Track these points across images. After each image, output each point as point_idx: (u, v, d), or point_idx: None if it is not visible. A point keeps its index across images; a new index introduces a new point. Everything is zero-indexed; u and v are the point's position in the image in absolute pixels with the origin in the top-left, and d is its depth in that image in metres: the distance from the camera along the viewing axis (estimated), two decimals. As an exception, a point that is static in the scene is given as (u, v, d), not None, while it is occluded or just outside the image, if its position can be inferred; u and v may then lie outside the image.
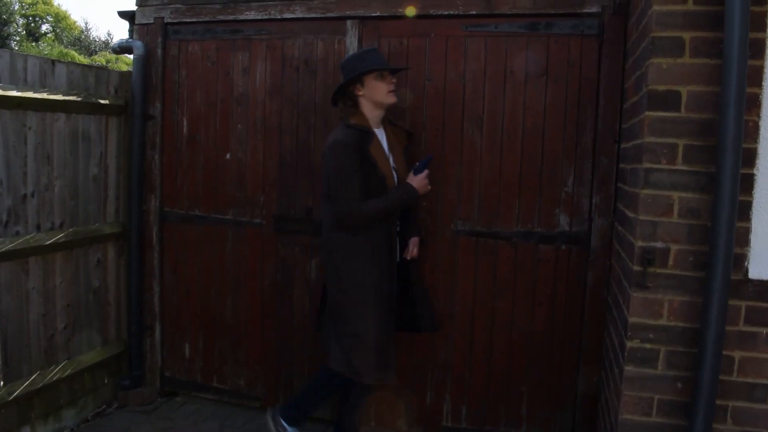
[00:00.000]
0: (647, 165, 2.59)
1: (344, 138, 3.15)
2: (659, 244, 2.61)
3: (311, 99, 3.80)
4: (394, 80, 3.28)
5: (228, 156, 3.98)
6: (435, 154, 3.60)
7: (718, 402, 2.59)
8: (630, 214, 2.82)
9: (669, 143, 2.57)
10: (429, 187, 3.33)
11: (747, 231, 2.55)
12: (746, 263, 2.57)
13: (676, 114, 2.55)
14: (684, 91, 2.53)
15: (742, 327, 2.59)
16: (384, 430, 3.90)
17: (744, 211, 2.53)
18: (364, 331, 3.21)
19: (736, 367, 2.61)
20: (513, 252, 3.57)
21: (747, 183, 2.52)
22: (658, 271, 2.62)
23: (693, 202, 2.57)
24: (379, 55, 3.28)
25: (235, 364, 4.13)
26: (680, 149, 2.56)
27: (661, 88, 2.55)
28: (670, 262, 2.61)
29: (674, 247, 2.60)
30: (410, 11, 3.58)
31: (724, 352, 2.56)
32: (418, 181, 3.27)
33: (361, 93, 3.24)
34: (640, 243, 2.62)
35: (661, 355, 2.66)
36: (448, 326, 3.70)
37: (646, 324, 2.65)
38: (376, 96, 3.23)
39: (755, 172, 2.53)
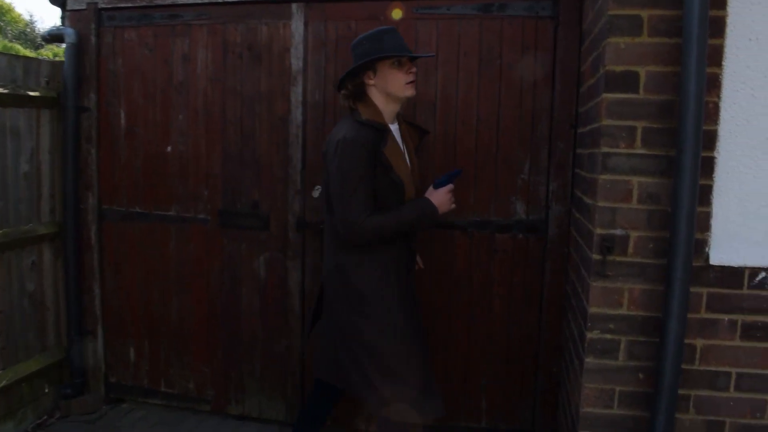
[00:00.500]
0: (605, 149, 2.50)
1: (355, 136, 2.64)
2: (618, 231, 2.52)
3: (256, 87, 3.62)
4: (414, 69, 2.78)
5: (169, 149, 3.78)
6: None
7: (681, 392, 2.52)
8: (588, 201, 2.73)
9: (627, 126, 2.48)
10: (454, 205, 2.87)
11: (708, 216, 2.48)
12: (707, 249, 2.50)
13: (634, 96, 2.46)
14: (642, 71, 2.44)
15: (704, 314, 2.52)
16: (341, 429, 3.75)
17: (705, 195, 2.46)
18: (406, 370, 2.75)
19: (698, 355, 2.55)
20: (468, 242, 3.46)
21: (707, 166, 2.45)
22: (618, 259, 2.53)
23: (653, 187, 2.48)
24: (398, 38, 2.75)
25: (183, 367, 3.95)
26: (639, 132, 2.47)
27: (619, 68, 2.45)
28: (630, 249, 2.52)
29: (634, 234, 2.52)
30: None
31: (686, 341, 2.49)
32: (439, 197, 2.79)
33: (372, 82, 2.76)
34: (598, 230, 2.53)
35: (622, 346, 2.57)
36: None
37: (606, 314, 2.56)
38: (390, 87, 2.75)
39: (716, 155, 2.46)
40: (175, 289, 3.87)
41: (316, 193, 3.57)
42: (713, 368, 2.55)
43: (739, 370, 2.54)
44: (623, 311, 2.55)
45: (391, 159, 2.68)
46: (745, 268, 2.49)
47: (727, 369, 2.54)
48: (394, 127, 2.86)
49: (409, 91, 2.78)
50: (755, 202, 2.48)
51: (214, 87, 3.68)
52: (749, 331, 2.51)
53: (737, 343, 2.53)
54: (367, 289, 2.74)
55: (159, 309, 3.92)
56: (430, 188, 2.83)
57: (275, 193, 3.64)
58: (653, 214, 2.49)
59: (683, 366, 2.50)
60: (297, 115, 3.55)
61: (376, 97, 2.79)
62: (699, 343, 2.54)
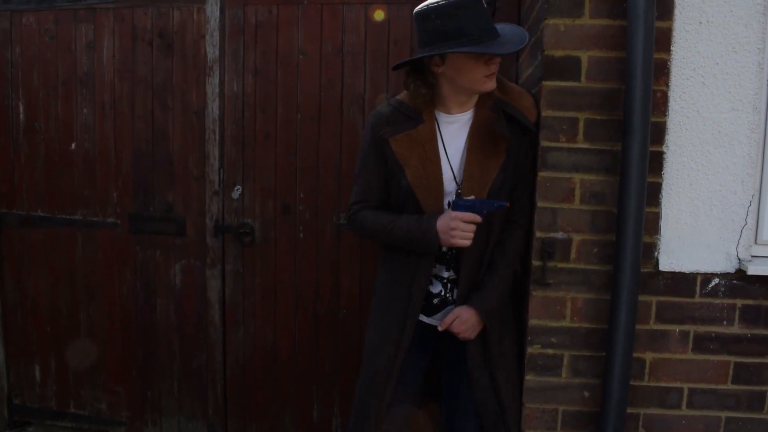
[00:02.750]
0: (544, 143, 2.25)
1: (375, 115, 2.29)
2: (560, 235, 2.28)
3: (168, 78, 3.28)
4: (498, 59, 2.12)
5: (73, 146, 3.41)
6: (311, 136, 3.17)
7: (629, 410, 2.32)
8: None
9: (568, 117, 2.24)
10: (466, 242, 2.15)
11: (657, 217, 2.27)
12: (656, 253, 2.28)
13: (575, 84, 2.23)
14: (584, 56, 2.21)
15: (654, 325, 2.32)
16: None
17: (653, 194, 2.25)
18: (361, 391, 2.45)
19: (647, 370, 2.34)
20: (403, 247, 3.18)
21: (656, 162, 2.24)
22: (560, 265, 2.29)
23: (597, 185, 2.25)
24: (480, 14, 2.03)
25: (95, 387, 3.59)
26: (581, 124, 2.24)
27: (559, 53, 2.21)
28: (573, 254, 2.29)
29: (577, 238, 2.28)
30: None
31: (635, 355, 2.29)
32: (447, 224, 2.13)
33: (439, 70, 2.15)
34: (538, 234, 2.28)
35: (565, 361, 2.34)
36: (334, 331, 3.29)
37: (548, 326, 2.32)
38: (463, 80, 2.14)
39: (665, 149, 2.25)
40: (83, 302, 3.51)
41: (235, 194, 3.25)
42: (664, 384, 2.34)
43: (692, 385, 2.34)
44: (566, 323, 2.32)
45: (399, 155, 2.22)
46: (698, 274, 2.28)
47: (678, 384, 2.34)
48: (454, 119, 2.25)
49: (489, 85, 2.13)
50: (707, 202, 2.26)
51: (123, 78, 3.33)
52: (702, 343, 2.31)
53: (689, 356, 2.32)
54: (376, 285, 2.51)
55: (66, 324, 3.55)
56: (448, 208, 2.22)
57: (191, 194, 3.31)
58: (597, 215, 2.26)
59: (631, 382, 2.29)
60: (214, 108, 3.23)
61: (444, 86, 2.19)
62: (648, 356, 2.32)
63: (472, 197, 2.15)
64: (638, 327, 2.26)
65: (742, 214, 2.26)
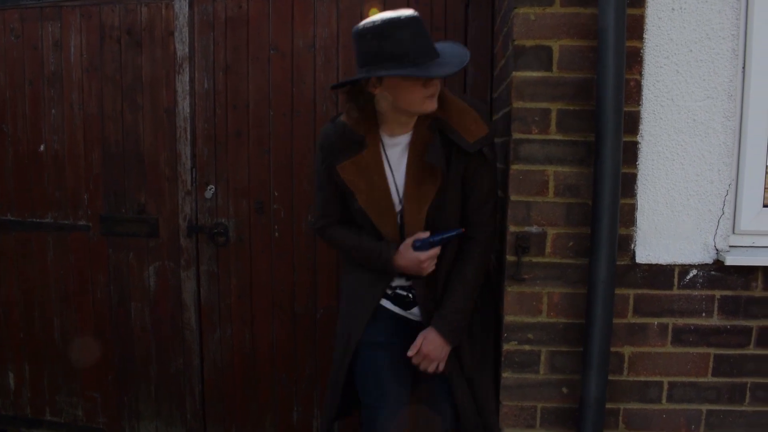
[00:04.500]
0: (516, 135, 2.21)
1: (323, 136, 2.22)
2: (534, 229, 2.23)
3: (137, 77, 3.21)
4: (436, 80, 2.00)
5: (42, 148, 3.34)
6: (284, 133, 3.11)
7: (609, 406, 2.28)
8: (501, 196, 2.42)
9: (540, 109, 2.19)
10: (430, 269, 2.17)
11: (632, 208, 2.23)
12: (633, 245, 2.24)
13: (547, 74, 2.18)
14: (555, 46, 2.16)
15: (631, 319, 2.27)
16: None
17: (628, 185, 2.21)
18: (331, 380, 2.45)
19: (626, 364, 2.30)
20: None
21: (630, 152, 2.20)
22: (535, 260, 2.25)
23: (571, 178, 2.21)
24: (418, 34, 1.92)
25: (71, 393, 3.51)
26: (554, 115, 2.20)
27: (529, 43, 2.16)
28: (548, 248, 2.24)
29: (551, 231, 2.24)
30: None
31: (613, 349, 2.25)
32: (409, 260, 2.13)
33: (378, 92, 2.03)
34: (512, 228, 2.24)
35: (543, 358, 2.30)
36: (312, 331, 3.23)
37: (524, 322, 2.28)
38: (402, 102, 2.02)
39: (639, 139, 2.21)
40: (56, 307, 3.43)
41: (209, 193, 3.19)
42: (643, 378, 2.30)
43: (672, 379, 2.30)
44: (542, 319, 2.27)
45: (348, 181, 2.16)
46: (675, 265, 2.24)
47: (658, 378, 2.30)
48: (396, 141, 2.17)
49: (429, 106, 2.02)
50: (684, 192, 2.23)
51: (91, 77, 3.25)
52: (681, 336, 2.28)
53: (668, 349, 2.28)
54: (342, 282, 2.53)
55: (40, 330, 3.48)
56: (409, 245, 2.13)
57: (163, 195, 3.24)
58: (572, 208, 2.22)
59: (610, 377, 2.25)
60: (184, 106, 3.16)
61: (383, 104, 2.09)
62: (627, 350, 2.28)
63: (427, 234, 2.13)
64: (616, 321, 2.22)
65: (719, 204, 2.22)
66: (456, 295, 2.18)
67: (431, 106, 2.02)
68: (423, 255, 2.10)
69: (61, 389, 3.51)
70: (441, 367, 2.21)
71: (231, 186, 3.19)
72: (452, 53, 2.03)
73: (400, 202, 2.19)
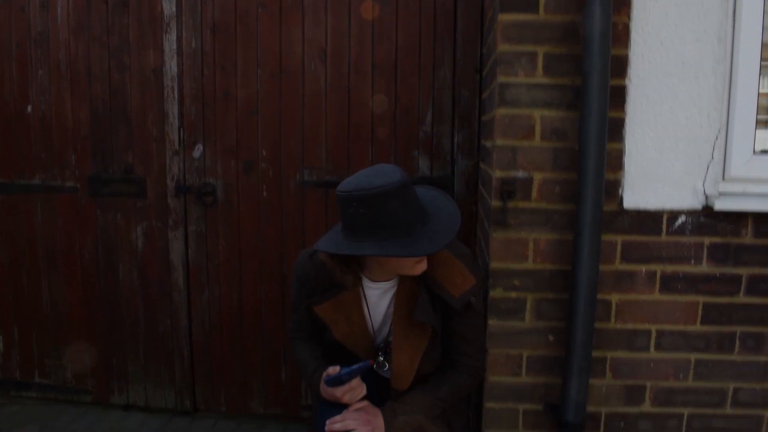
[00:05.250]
0: (502, 79, 2.17)
1: (300, 269, 2.14)
2: (520, 174, 2.20)
3: (124, 36, 3.17)
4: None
5: (29, 109, 3.31)
6: (272, 92, 3.07)
7: (595, 354, 2.24)
8: (488, 143, 2.39)
9: (527, 52, 2.15)
10: (360, 396, 2.04)
11: (620, 153, 2.19)
12: (620, 191, 2.20)
13: (533, 16, 2.14)
14: (541, -14, 2.11)
15: (619, 266, 2.23)
16: (236, 414, 3.38)
17: (616, 129, 2.16)
18: None
19: (613, 312, 2.26)
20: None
21: (618, 96, 2.15)
22: (521, 205, 2.21)
23: (557, 122, 2.17)
24: (407, 203, 1.80)
25: (60, 356, 3.50)
26: (540, 59, 2.16)
27: (514, -17, 2.11)
28: (534, 194, 2.21)
29: (538, 176, 2.20)
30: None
31: (600, 296, 2.21)
32: (329, 394, 2.04)
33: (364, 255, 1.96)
34: (498, 173, 2.20)
35: (529, 305, 2.26)
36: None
37: (510, 269, 2.24)
38: (391, 266, 1.96)
39: (627, 83, 2.17)
40: (45, 270, 3.41)
41: (196, 153, 3.16)
42: (631, 326, 2.27)
43: (660, 327, 2.27)
44: (528, 265, 2.24)
45: (325, 318, 2.10)
46: (663, 211, 2.21)
47: (646, 326, 2.27)
48: (378, 285, 2.09)
49: (419, 269, 1.93)
50: (673, 136, 2.19)
51: (78, 38, 3.22)
52: (669, 283, 2.24)
53: (656, 296, 2.25)
54: None
55: (28, 293, 3.46)
56: (323, 380, 2.03)
57: (151, 155, 3.21)
58: (559, 152, 2.18)
59: (597, 325, 2.22)
60: (172, 66, 3.13)
61: (371, 263, 2.02)
62: (614, 298, 2.25)
63: (337, 369, 1.98)
64: (603, 268, 2.19)
65: (709, 149, 2.18)
66: (419, 399, 2.08)
67: (422, 268, 1.93)
68: (338, 391, 1.98)
69: (49, 352, 3.49)
70: None
71: (219, 146, 3.16)
72: (440, 209, 1.93)
73: (378, 336, 2.16)
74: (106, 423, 3.34)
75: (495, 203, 2.20)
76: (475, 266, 2.10)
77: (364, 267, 2.04)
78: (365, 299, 2.12)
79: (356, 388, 2.01)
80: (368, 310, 2.14)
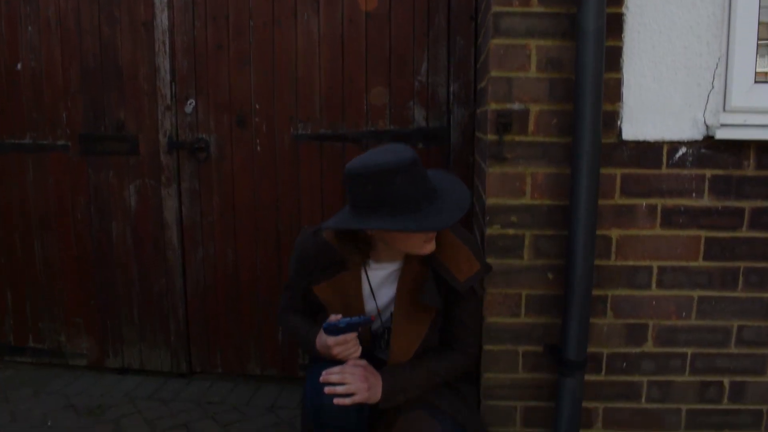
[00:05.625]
0: (497, 8, 2.11)
1: (300, 249, 2.07)
2: (516, 106, 2.14)
3: (114, -10, 3.12)
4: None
5: (19, 66, 3.26)
6: (264, 44, 3.02)
7: (596, 292, 2.19)
8: (483, 83, 2.33)
9: (521, -21, 2.08)
10: (355, 355, 1.94)
11: (618, 83, 2.13)
12: (619, 122, 2.14)
13: (527, -58, 2.07)
14: None
15: (619, 200, 2.18)
16: (233, 376, 3.34)
17: (613, 58, 2.11)
18: None
19: (613, 248, 2.20)
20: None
21: (615, 24, 2.09)
22: (517, 138, 2.16)
23: (553, 51, 2.11)
24: (416, 176, 1.78)
25: (53, 319, 3.45)
26: (535, -13, 2.09)
27: None
28: (531, 126, 2.15)
29: (534, 108, 2.14)
30: None
31: (599, 232, 2.15)
32: (321, 344, 1.95)
33: (371, 233, 1.92)
34: (493, 106, 2.14)
35: (527, 242, 2.21)
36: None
37: (507, 205, 2.19)
38: (400, 245, 1.90)
39: (624, 10, 2.11)
40: (37, 231, 3.37)
41: (189, 108, 3.11)
42: (632, 263, 2.21)
43: (661, 263, 2.21)
44: (526, 200, 2.18)
45: (322, 299, 2.04)
46: (663, 142, 2.15)
47: (647, 263, 2.21)
48: (382, 266, 2.03)
49: (428, 248, 1.89)
50: (672, 66, 2.13)
51: (67, -8, 3.17)
52: (671, 218, 2.18)
53: (658, 231, 2.19)
54: None
55: (21, 255, 3.41)
56: (322, 329, 1.95)
57: (143, 111, 3.16)
58: (555, 83, 2.12)
59: (597, 262, 2.16)
60: (162, 19, 3.08)
61: (378, 243, 1.96)
62: (614, 233, 2.19)
63: (339, 317, 1.90)
64: (602, 202, 2.13)
65: (709, 78, 2.12)
66: (418, 369, 2.00)
67: (430, 248, 1.90)
68: (330, 340, 1.89)
69: (43, 316, 3.45)
70: (350, 400, 1.86)
71: (211, 100, 3.11)
72: (449, 189, 1.89)
73: (380, 320, 2.08)
74: (101, 386, 3.30)
75: (491, 137, 2.15)
76: (479, 253, 2.04)
77: (371, 247, 1.98)
78: (368, 282, 2.06)
79: (350, 343, 1.92)
80: (372, 293, 2.07)
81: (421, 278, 1.97)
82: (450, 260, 1.96)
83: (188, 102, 3.11)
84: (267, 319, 3.24)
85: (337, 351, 1.90)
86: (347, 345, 1.91)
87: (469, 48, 2.94)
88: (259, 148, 3.11)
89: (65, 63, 3.21)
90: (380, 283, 2.06)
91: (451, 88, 2.97)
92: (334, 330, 1.88)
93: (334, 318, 1.91)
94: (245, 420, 2.96)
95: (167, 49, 3.09)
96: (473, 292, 2.02)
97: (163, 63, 3.10)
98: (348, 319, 1.89)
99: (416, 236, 1.84)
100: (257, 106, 3.08)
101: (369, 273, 2.05)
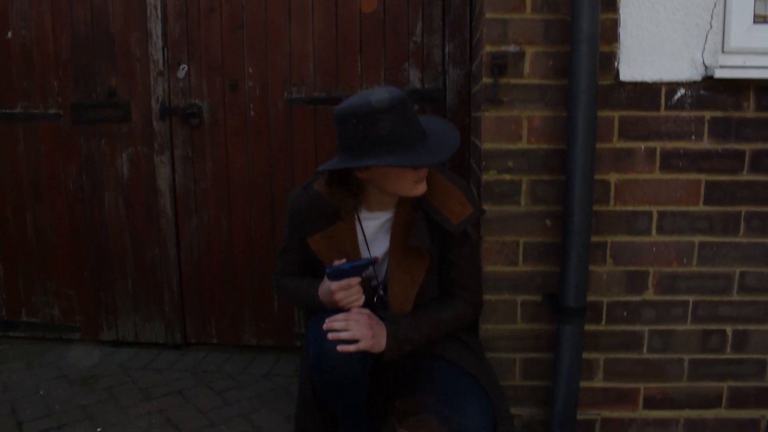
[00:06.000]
0: (490, -52, 2.06)
1: (293, 203, 2.04)
2: (511, 48, 2.11)
3: (105, -47, 3.09)
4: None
5: (9, 34, 3.21)
6: (258, 6, 2.98)
7: (595, 238, 2.15)
8: (478, 30, 2.29)
9: None
10: (357, 303, 1.89)
11: (615, 23, 2.09)
12: (616, 63, 2.11)
13: None
14: None
15: (617, 143, 2.14)
16: (228, 347, 3.31)
17: (609, -2, 2.05)
18: None
19: (612, 193, 2.17)
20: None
21: (611, -37, 2.04)
22: (513, 81, 2.12)
23: (548, -9, 2.07)
24: (406, 116, 1.76)
25: (46, 292, 3.40)
26: (529, -75, 2.05)
27: None
28: (526, 69, 2.12)
29: (530, 50, 2.11)
30: None
31: (597, 177, 2.11)
32: (328, 297, 1.91)
33: (365, 176, 1.88)
34: (488, 48, 2.11)
35: (524, 187, 2.17)
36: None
37: (503, 149, 2.15)
38: (390, 186, 1.87)
39: (620, -51, 2.06)
40: (29, 202, 3.32)
41: (181, 73, 3.07)
42: (631, 208, 2.18)
43: (661, 208, 2.17)
44: (522, 145, 2.15)
45: (317, 252, 1.99)
46: (662, 84, 2.11)
47: (647, 208, 2.17)
48: (375, 215, 2.00)
49: (419, 189, 1.87)
50: (669, 5, 2.09)
51: (56, -43, 3.13)
52: (670, 161, 2.15)
53: (657, 175, 2.16)
54: None
55: (13, 227, 3.36)
56: (326, 277, 1.91)
57: (135, 77, 3.12)
58: (551, 24, 2.09)
59: (596, 207, 2.13)
60: (154, -19, 3.04)
61: (369, 187, 1.93)
62: (612, 177, 2.15)
63: (344, 261, 1.87)
64: (600, 146, 2.09)
65: (707, 17, 2.08)
66: (422, 319, 1.96)
67: (421, 189, 1.87)
68: (334, 285, 1.85)
69: (36, 289, 3.40)
70: (354, 347, 1.82)
71: (204, 64, 3.07)
72: (439, 131, 1.88)
73: (374, 273, 2.05)
74: (95, 358, 3.25)
75: (486, 80, 2.11)
76: (472, 196, 2.00)
77: (363, 191, 1.95)
78: (363, 232, 2.02)
79: (353, 289, 1.88)
80: (366, 243, 2.03)
81: (413, 221, 1.94)
82: (443, 204, 1.93)
83: (180, 67, 3.07)
84: (262, 288, 3.20)
85: (340, 296, 1.86)
86: (350, 291, 1.87)
87: (464, 7, 2.90)
88: (252, 112, 3.07)
89: (56, 31, 3.17)
90: (374, 233, 2.02)
91: (447, 49, 2.94)
92: (338, 274, 1.84)
93: (337, 262, 1.87)
94: (240, 387, 2.92)
95: (159, 13, 3.05)
96: (467, 235, 1.97)
97: (155, 28, 3.06)
98: (351, 262, 1.85)
99: (407, 176, 1.82)
100: (250, 70, 3.04)
101: (364, 223, 2.01)
